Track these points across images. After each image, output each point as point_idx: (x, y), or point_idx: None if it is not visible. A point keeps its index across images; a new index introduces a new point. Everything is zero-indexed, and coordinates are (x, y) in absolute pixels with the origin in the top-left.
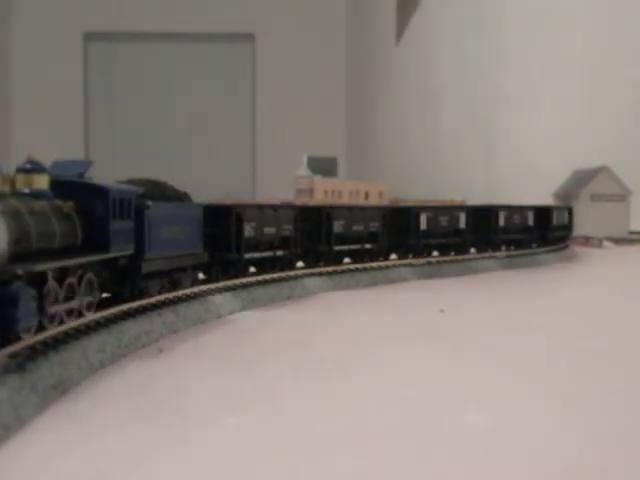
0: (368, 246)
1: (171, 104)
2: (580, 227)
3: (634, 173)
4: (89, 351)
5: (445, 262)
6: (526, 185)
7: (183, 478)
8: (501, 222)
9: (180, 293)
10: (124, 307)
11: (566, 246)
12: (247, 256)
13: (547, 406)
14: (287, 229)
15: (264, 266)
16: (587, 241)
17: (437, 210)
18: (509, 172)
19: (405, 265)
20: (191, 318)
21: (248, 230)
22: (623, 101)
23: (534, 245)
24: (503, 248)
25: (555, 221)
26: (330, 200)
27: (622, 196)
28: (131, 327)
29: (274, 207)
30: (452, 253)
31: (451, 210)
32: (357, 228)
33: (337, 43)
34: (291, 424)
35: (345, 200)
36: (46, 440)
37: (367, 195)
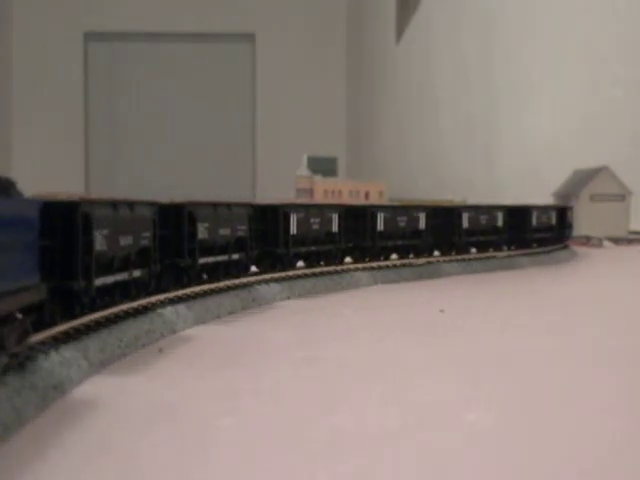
0: (235, 257)
1: (171, 104)
2: (580, 227)
3: (634, 173)
4: (89, 351)
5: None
6: (526, 185)
7: (183, 478)
8: (380, 227)
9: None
10: (124, 307)
11: (565, 247)
12: (98, 283)
13: (547, 406)
14: (145, 237)
15: (114, 295)
16: (587, 241)
17: (309, 210)
18: (509, 172)
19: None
20: None
21: (100, 241)
22: (623, 101)
23: (429, 253)
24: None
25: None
26: (330, 200)
27: (622, 196)
28: (131, 327)
29: (130, 205)
30: (322, 263)
31: (323, 210)
32: (224, 233)
33: (337, 43)
34: (290, 424)
35: (345, 200)
36: (46, 440)
37: (367, 195)
